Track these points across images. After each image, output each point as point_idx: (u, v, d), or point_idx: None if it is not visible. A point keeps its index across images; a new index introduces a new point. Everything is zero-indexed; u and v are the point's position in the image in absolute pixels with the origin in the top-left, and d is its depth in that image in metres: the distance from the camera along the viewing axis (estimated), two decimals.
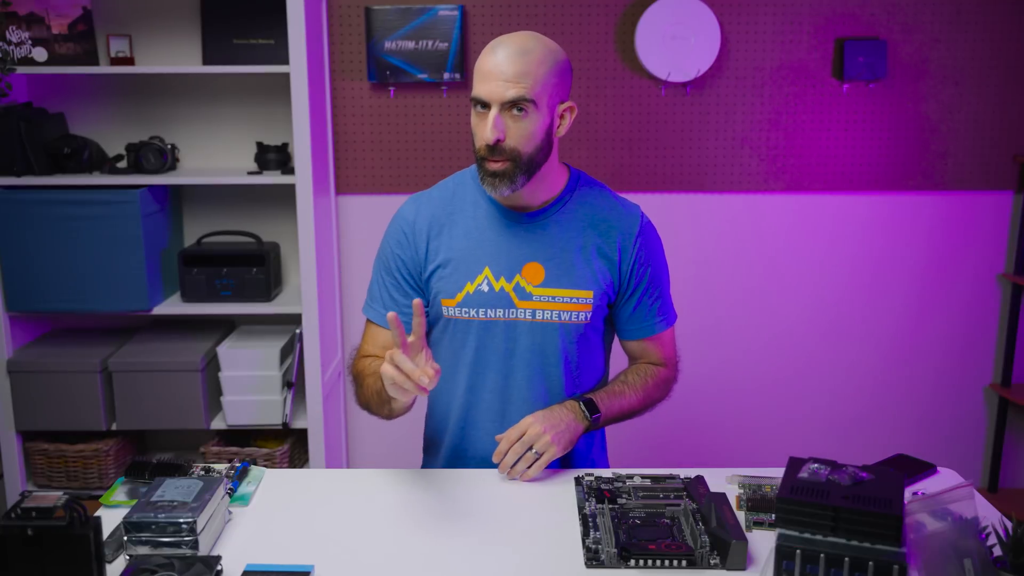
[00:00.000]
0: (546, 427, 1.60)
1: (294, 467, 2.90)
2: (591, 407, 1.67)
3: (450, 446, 1.77)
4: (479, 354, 1.69)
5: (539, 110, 1.58)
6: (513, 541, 1.41)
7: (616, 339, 1.83)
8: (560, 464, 1.71)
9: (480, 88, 1.58)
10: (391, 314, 1.42)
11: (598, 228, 1.69)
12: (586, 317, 1.68)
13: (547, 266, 1.67)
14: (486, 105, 1.57)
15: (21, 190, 2.71)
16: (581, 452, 1.77)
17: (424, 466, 1.87)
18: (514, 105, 1.56)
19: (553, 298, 1.67)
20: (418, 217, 1.71)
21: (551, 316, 1.67)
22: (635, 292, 1.72)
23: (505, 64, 1.56)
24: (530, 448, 1.59)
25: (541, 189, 1.67)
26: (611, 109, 2.98)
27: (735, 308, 3.11)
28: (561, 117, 1.64)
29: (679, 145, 3.01)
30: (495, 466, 1.63)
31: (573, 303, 1.67)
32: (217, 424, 2.84)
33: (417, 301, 1.45)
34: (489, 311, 1.66)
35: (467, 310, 1.67)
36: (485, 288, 1.66)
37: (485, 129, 1.57)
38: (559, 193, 1.70)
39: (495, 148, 1.57)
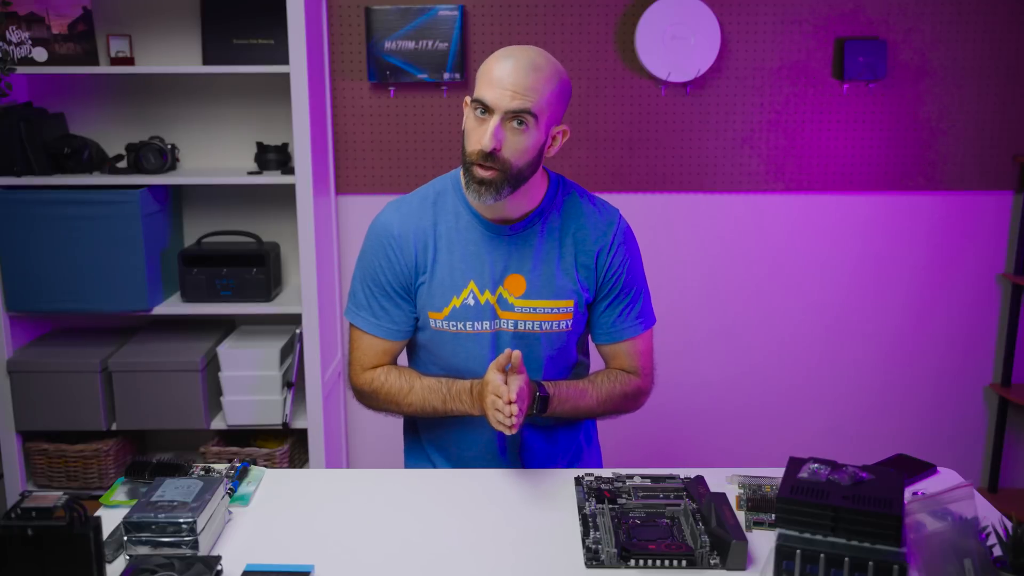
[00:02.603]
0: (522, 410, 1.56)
1: (294, 467, 2.90)
2: (543, 405, 1.63)
3: (446, 437, 1.78)
4: (465, 364, 1.70)
5: (538, 127, 1.57)
6: (513, 541, 1.41)
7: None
8: (565, 462, 1.77)
9: (486, 92, 1.55)
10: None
11: (576, 237, 1.70)
12: (567, 325, 1.70)
13: (529, 278, 1.68)
14: (487, 111, 1.56)
15: (21, 190, 2.71)
16: (577, 452, 1.81)
17: (410, 450, 1.86)
18: (516, 116, 1.55)
19: (535, 309, 1.68)
20: (403, 230, 1.69)
21: (533, 327, 1.68)
22: (608, 295, 1.73)
23: (517, 74, 1.54)
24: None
25: (523, 201, 1.67)
26: (611, 109, 2.97)
27: (734, 308, 3.10)
28: (553, 139, 1.64)
29: (679, 145, 3.00)
30: (494, 466, 1.71)
31: (554, 313, 1.69)
32: (217, 424, 2.84)
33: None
34: (475, 324, 1.68)
35: (454, 323, 1.68)
36: (471, 302, 1.67)
37: (483, 136, 1.55)
38: (539, 204, 1.69)
39: (489, 156, 1.55)
